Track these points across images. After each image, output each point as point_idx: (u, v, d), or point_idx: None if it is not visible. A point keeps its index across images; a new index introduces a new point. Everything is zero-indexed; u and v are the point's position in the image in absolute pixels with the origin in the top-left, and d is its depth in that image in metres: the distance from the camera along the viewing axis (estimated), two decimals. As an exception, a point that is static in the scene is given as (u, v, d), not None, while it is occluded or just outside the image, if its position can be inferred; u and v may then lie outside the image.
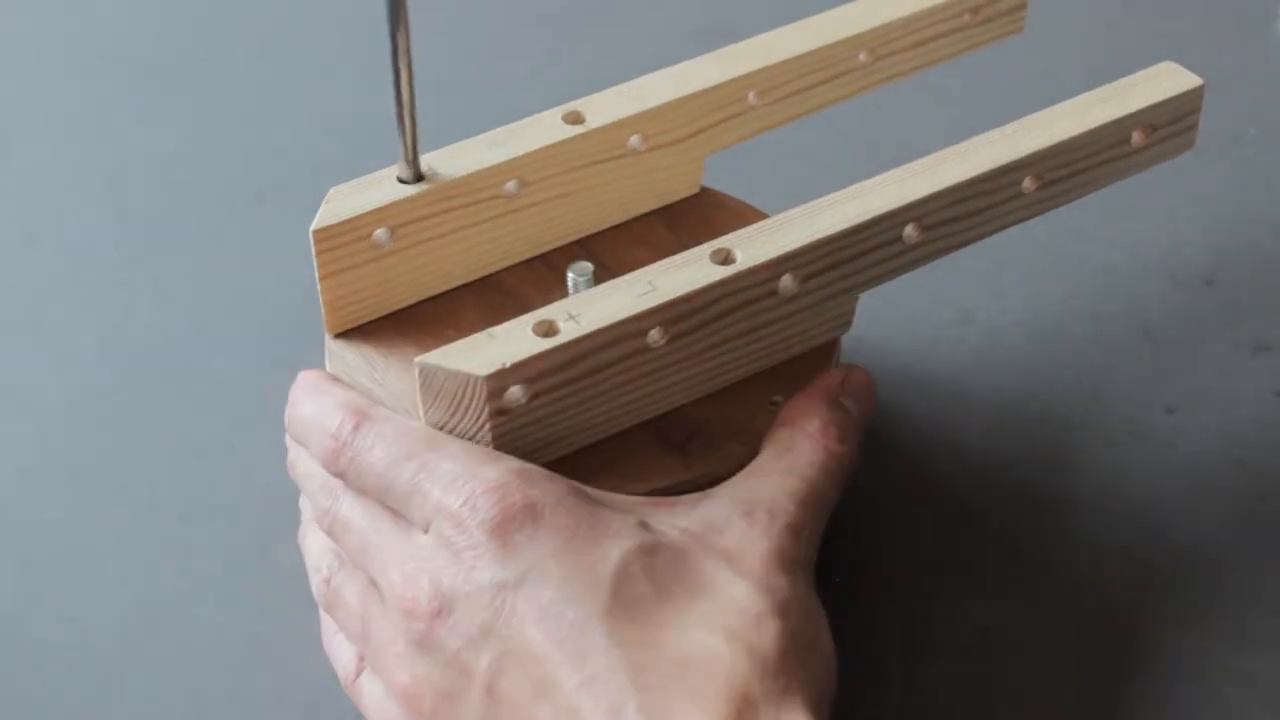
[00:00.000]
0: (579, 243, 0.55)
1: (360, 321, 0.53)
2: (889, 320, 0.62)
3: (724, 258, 0.49)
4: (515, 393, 0.46)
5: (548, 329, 0.47)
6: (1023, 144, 0.52)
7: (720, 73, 0.56)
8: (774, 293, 0.49)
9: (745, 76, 0.56)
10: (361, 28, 0.77)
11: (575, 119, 0.54)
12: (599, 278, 0.51)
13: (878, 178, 0.51)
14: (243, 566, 0.54)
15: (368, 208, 0.51)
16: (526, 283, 0.54)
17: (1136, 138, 0.54)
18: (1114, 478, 0.56)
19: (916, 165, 0.52)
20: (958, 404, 0.59)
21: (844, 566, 0.53)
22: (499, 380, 0.46)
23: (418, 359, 0.47)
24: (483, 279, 0.54)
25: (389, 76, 0.49)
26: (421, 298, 0.54)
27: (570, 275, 0.52)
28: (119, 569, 0.54)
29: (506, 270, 0.55)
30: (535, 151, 0.53)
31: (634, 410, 0.49)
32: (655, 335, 0.48)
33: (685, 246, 0.50)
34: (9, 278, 0.65)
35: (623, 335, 0.47)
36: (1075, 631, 0.52)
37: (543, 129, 0.53)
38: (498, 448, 0.47)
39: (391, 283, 0.53)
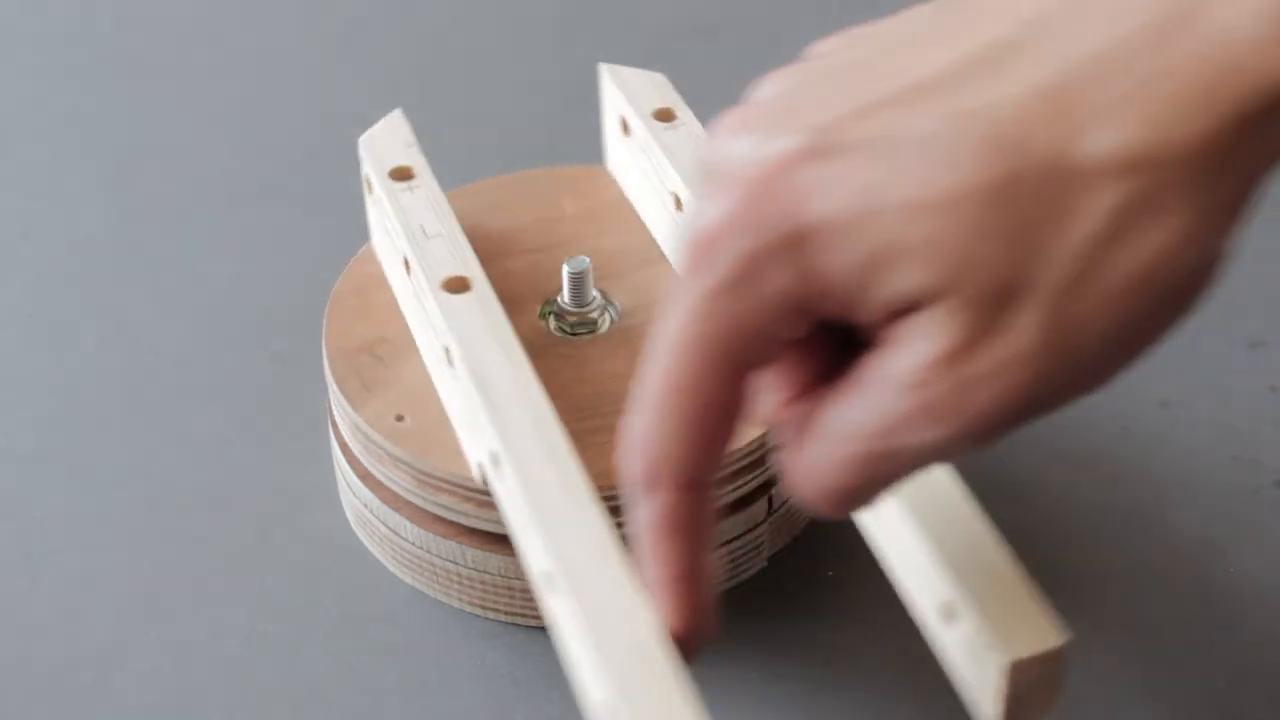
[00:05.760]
0: None
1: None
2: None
3: None
4: None
5: None
6: None
7: None
8: None
9: None
10: (363, 25, 0.77)
11: None
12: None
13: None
14: (241, 561, 0.54)
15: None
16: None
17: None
18: (1108, 472, 0.56)
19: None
20: (952, 398, 0.59)
21: (837, 560, 0.53)
22: None
23: None
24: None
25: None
26: None
27: (566, 268, 0.52)
28: (117, 563, 0.54)
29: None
30: None
31: None
32: None
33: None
34: (8, 273, 0.65)
35: None
36: (1068, 626, 0.52)
37: None
38: None
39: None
